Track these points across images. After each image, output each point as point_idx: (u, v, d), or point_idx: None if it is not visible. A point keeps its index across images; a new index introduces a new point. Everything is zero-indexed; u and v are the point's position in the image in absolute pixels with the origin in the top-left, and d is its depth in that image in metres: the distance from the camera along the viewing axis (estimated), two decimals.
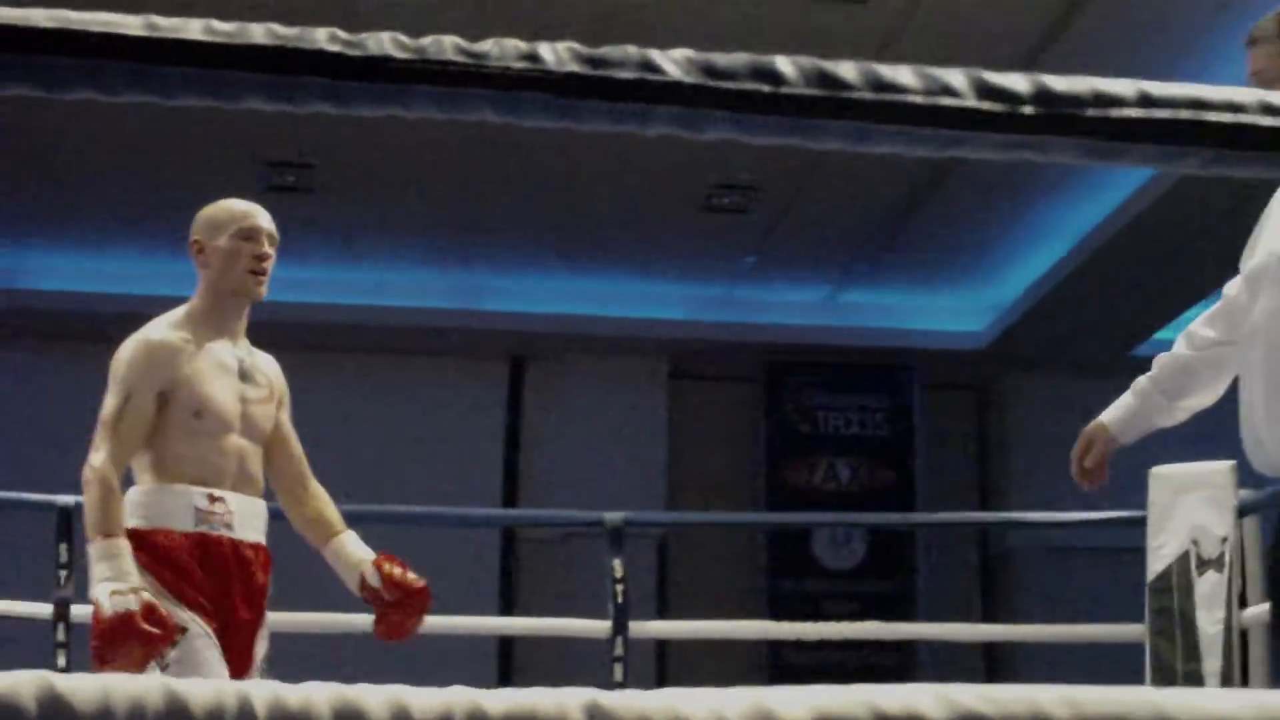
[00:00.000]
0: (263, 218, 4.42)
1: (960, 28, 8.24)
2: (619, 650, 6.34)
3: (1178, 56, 8.32)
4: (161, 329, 4.30)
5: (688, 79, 1.43)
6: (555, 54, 1.42)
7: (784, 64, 1.44)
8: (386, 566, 4.39)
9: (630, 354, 12.57)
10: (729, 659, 10.80)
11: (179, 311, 4.38)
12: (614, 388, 12.69)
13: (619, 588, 6.34)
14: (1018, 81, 1.46)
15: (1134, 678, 5.45)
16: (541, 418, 12.71)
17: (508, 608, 11.78)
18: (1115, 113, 1.46)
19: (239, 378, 4.36)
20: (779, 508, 12.58)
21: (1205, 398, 4.00)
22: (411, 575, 4.41)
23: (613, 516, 6.55)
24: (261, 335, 4.47)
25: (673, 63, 1.43)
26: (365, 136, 8.80)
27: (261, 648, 4.32)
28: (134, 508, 4.18)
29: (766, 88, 1.43)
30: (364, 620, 4.66)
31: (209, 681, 1.31)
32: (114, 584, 3.93)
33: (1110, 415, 4.10)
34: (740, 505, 12.59)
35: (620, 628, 6.32)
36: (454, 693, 1.30)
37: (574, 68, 1.42)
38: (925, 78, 1.44)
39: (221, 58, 1.36)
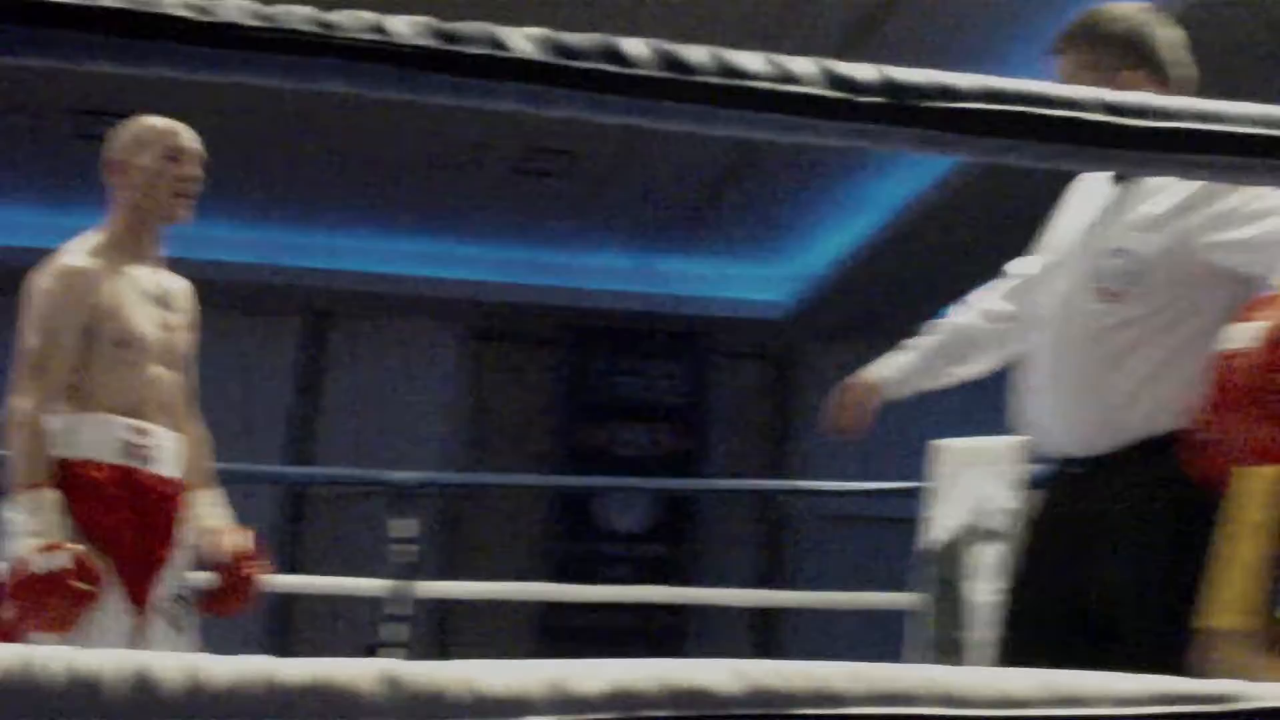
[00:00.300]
0: (188, 136, 4.27)
1: (780, 10, 8.30)
2: (404, 610, 6.34)
3: (1012, 41, 8.44)
4: (79, 256, 4.08)
5: (537, 56, 1.43)
6: (405, 27, 1.41)
7: (633, 45, 1.44)
8: (225, 544, 4.22)
9: (433, 314, 12.52)
10: (511, 618, 10.87)
11: (95, 236, 4.15)
12: (415, 347, 12.65)
13: (406, 548, 6.33)
14: (863, 70, 1.47)
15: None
16: (341, 375, 12.63)
17: (292, 565, 11.70)
18: (957, 105, 1.48)
19: (158, 304, 4.18)
20: (574, 470, 12.63)
21: (981, 368, 4.09)
22: (247, 563, 4.23)
23: (400, 476, 6.56)
24: None
25: (522, 40, 1.43)
26: (174, 88, 8.66)
27: (169, 586, 4.11)
28: (55, 435, 3.95)
29: (615, 68, 1.44)
30: None
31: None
32: (42, 538, 3.78)
33: (881, 372, 4.15)
34: (537, 467, 12.62)
35: (405, 587, 6.32)
36: (250, 662, 1.29)
37: (423, 41, 1.41)
38: (772, 64, 1.46)
39: (68, 18, 1.33)
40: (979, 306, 4.05)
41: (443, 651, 11.73)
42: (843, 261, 11.60)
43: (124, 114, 4.09)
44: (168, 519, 4.11)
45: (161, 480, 4.10)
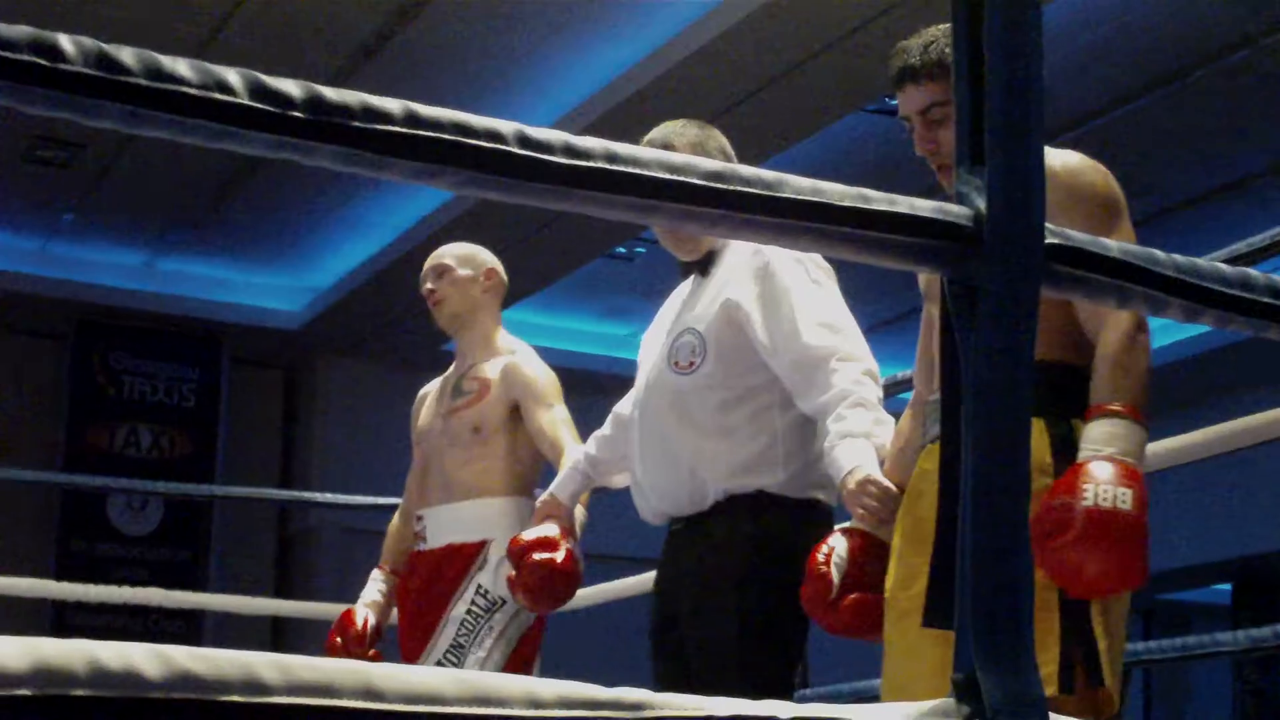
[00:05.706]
0: (429, 259, 4.87)
1: (289, 26, 8.34)
2: None
3: (510, 66, 8.60)
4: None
5: None
6: None
7: (65, 41, 1.46)
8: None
9: None
10: (12, 617, 10.53)
11: None
12: None
13: None
14: (291, 87, 1.52)
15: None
16: None
17: None
18: (380, 127, 1.54)
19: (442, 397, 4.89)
20: (77, 468, 12.31)
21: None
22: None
23: None
24: None
25: None
26: None
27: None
28: None
29: (44, 62, 1.45)
30: None
31: None
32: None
33: (558, 487, 4.28)
34: (38, 463, 12.23)
35: None
36: None
37: None
38: (201, 71, 1.49)
39: None
40: (613, 414, 4.19)
41: None
42: (357, 276, 11.64)
43: None
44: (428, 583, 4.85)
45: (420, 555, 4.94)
